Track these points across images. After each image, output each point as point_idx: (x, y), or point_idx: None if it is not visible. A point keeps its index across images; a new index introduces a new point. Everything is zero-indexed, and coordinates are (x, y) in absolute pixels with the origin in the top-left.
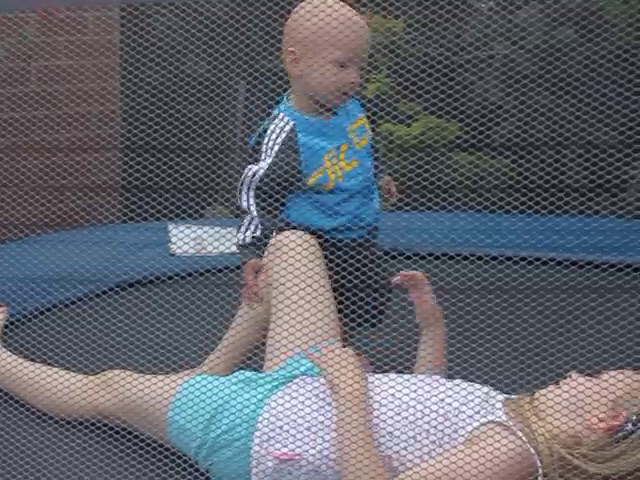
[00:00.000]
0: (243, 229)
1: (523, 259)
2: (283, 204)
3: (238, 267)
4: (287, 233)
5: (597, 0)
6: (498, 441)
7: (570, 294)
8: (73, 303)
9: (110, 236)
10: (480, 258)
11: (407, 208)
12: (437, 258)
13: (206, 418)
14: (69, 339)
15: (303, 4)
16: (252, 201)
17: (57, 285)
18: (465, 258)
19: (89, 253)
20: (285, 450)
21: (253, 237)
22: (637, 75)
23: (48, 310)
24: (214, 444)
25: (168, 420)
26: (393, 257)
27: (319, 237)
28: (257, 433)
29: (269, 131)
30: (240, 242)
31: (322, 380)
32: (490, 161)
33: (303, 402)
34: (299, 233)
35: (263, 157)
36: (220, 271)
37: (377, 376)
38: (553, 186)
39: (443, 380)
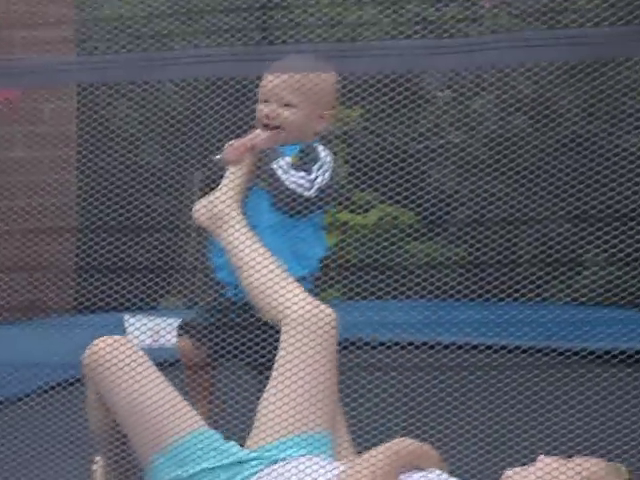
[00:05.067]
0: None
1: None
2: None
3: None
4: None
5: (548, 90)
6: None
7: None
8: (27, 395)
9: (67, 326)
10: (432, 347)
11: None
12: (395, 345)
13: None
14: (27, 429)
15: None
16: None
17: (17, 375)
18: (424, 344)
19: (47, 343)
20: None
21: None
22: (587, 160)
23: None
24: None
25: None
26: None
27: None
28: None
29: None
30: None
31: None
32: (447, 249)
33: None
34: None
35: None
36: (178, 361)
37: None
38: (508, 273)
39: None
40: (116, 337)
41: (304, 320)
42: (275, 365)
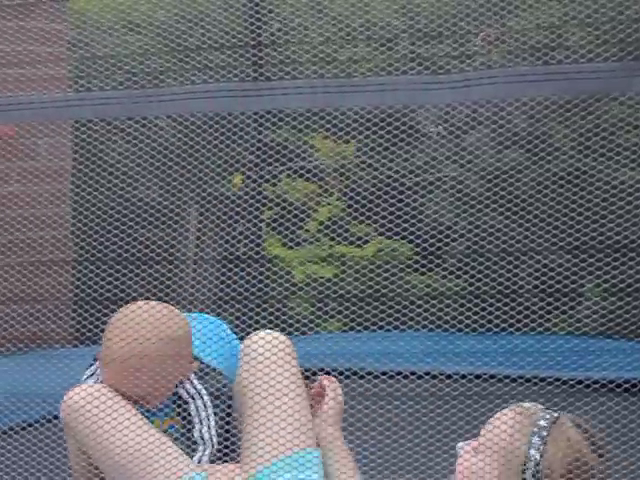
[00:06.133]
0: None
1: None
2: None
3: None
4: (261, 335)
5: (544, 124)
6: None
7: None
8: (30, 426)
9: (66, 357)
10: (435, 377)
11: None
12: (397, 374)
13: None
14: (28, 460)
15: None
16: None
17: (13, 407)
18: (427, 373)
19: (46, 374)
20: None
21: None
22: (582, 197)
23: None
24: None
25: None
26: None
27: None
28: None
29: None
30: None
31: None
32: (445, 281)
33: None
34: (274, 335)
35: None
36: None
37: None
38: (506, 305)
39: None
40: (92, 385)
41: (263, 351)
42: (245, 397)
